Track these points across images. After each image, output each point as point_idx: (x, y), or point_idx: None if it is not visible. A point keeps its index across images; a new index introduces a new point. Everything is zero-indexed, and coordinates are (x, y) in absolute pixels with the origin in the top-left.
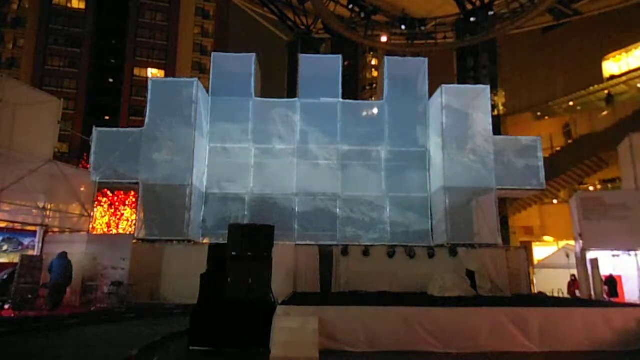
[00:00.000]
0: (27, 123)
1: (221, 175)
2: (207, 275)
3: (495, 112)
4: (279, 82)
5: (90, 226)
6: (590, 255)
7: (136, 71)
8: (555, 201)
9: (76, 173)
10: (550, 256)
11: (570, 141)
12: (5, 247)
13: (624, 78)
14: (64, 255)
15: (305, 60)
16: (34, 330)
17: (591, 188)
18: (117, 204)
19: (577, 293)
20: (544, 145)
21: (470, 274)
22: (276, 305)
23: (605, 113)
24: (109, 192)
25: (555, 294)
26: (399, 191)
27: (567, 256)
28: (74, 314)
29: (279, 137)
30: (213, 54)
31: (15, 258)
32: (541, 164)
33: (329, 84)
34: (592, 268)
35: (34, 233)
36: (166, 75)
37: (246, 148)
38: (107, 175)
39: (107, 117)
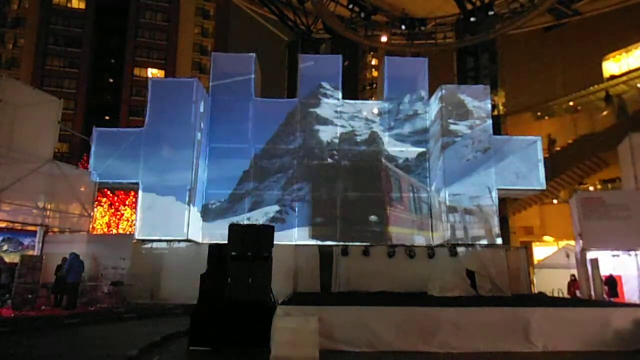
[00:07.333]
0: (27, 123)
1: (221, 175)
2: (207, 275)
3: (495, 112)
4: (279, 82)
5: (90, 226)
6: (590, 255)
7: (136, 71)
8: (555, 201)
9: (76, 173)
10: (550, 256)
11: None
12: (5, 247)
13: (624, 78)
14: (78, 256)
15: (305, 60)
16: (34, 330)
17: (591, 188)
18: (117, 204)
19: (577, 293)
20: (544, 145)
21: (470, 274)
22: (276, 305)
23: (605, 113)
24: (109, 192)
25: (555, 294)
26: (399, 191)
27: (567, 256)
28: (73, 314)
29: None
30: (213, 54)
31: (15, 258)
32: (541, 164)
33: (328, 83)
34: (592, 268)
35: (34, 233)
36: (166, 75)
37: (246, 148)
38: (107, 176)
39: (107, 117)
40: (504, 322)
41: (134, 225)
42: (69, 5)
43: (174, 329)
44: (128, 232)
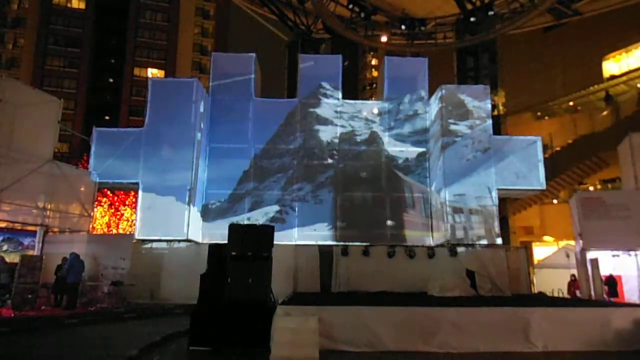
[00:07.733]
0: (27, 123)
1: (221, 175)
2: (207, 275)
3: (495, 112)
4: (279, 82)
5: (90, 226)
6: (590, 255)
7: (136, 71)
8: (555, 201)
9: (76, 173)
10: (550, 256)
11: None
12: (5, 247)
13: (624, 78)
14: (78, 256)
15: (305, 60)
16: (34, 330)
17: (591, 188)
18: (117, 204)
19: (577, 293)
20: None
21: (470, 274)
22: (276, 305)
23: (605, 113)
24: (109, 192)
25: (555, 294)
26: (399, 191)
27: (567, 256)
28: (73, 314)
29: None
30: (213, 54)
31: (15, 258)
32: (541, 164)
33: (328, 83)
34: (592, 268)
35: (34, 233)
36: (166, 75)
37: (246, 148)
38: (107, 176)
39: (107, 117)
40: (504, 322)
41: (134, 225)
42: (69, 5)
43: (174, 329)
44: (128, 232)
